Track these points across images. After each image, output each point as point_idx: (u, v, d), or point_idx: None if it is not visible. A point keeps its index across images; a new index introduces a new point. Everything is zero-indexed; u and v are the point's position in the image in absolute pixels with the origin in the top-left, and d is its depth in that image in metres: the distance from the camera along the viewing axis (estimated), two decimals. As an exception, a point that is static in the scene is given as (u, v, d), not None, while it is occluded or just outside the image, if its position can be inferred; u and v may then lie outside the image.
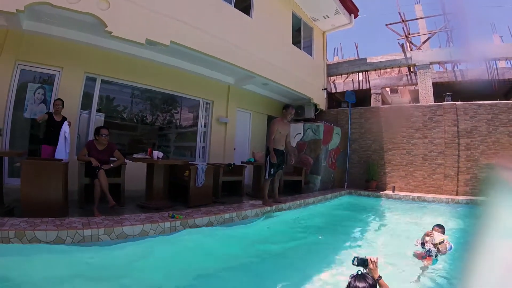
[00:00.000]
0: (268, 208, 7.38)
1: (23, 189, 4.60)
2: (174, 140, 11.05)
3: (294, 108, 8.15)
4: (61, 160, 5.88)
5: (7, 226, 3.83)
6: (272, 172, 7.58)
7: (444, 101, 12.74)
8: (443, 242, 4.74)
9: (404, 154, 13.09)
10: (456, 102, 12.24)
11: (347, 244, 5.81)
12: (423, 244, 4.86)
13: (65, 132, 6.68)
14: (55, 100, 6.99)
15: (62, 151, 6.63)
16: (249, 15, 10.25)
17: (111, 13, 6.55)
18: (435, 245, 4.70)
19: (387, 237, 6.64)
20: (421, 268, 4.43)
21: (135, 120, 10.01)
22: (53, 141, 6.71)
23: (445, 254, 4.72)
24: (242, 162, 9.62)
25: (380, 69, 16.23)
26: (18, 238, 3.73)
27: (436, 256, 4.70)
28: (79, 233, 4.10)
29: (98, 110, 8.61)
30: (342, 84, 18.22)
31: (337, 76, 18.16)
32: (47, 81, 7.80)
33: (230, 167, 9.08)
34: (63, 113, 7.06)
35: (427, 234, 4.91)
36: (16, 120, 7.36)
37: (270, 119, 14.11)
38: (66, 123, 6.81)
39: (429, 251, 4.71)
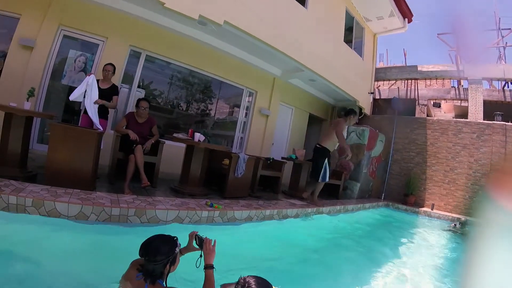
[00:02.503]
0: (309, 210, 6.85)
1: (50, 154, 4.13)
2: (212, 127, 10.54)
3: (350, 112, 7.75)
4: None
5: (26, 192, 3.35)
6: (329, 176, 7.39)
7: (493, 120, 11.98)
8: None
9: (448, 171, 12.26)
10: (506, 123, 11.42)
11: (382, 258, 5.31)
12: None
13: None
14: (105, 65, 6.10)
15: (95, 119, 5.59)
16: (304, 6, 9.65)
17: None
18: None
19: (423, 257, 5.97)
20: None
21: (173, 103, 9.62)
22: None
23: None
24: (282, 158, 9.00)
25: (430, 79, 15.42)
26: (35, 207, 3.25)
27: None
28: (106, 210, 3.59)
29: (139, 86, 8.25)
30: (387, 90, 17.40)
31: (383, 82, 17.39)
32: (89, 49, 7.45)
33: (269, 161, 8.48)
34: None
35: None
36: (53, 86, 7.08)
37: (311, 117, 13.65)
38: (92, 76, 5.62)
39: None
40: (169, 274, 2.20)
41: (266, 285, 1.80)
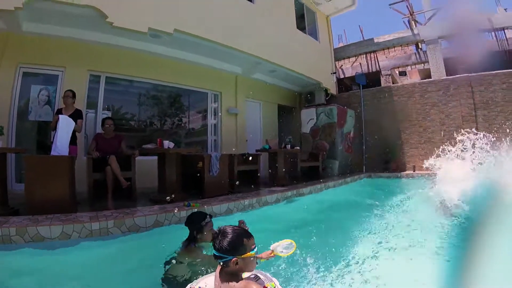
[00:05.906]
0: (289, 193, 7.14)
1: (27, 186, 4.35)
2: (185, 136, 10.69)
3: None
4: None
5: (9, 224, 3.57)
6: None
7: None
8: None
9: (421, 131, 12.78)
10: (470, 74, 11.84)
11: (369, 226, 5.41)
12: None
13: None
14: (64, 92, 6.17)
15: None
16: (251, 1, 9.90)
17: (110, 4, 6.32)
18: None
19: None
20: None
21: (141, 119, 9.64)
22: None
23: None
24: (256, 150, 9.29)
25: (388, 48, 15.81)
26: (20, 235, 3.46)
27: None
28: (86, 226, 3.81)
29: (104, 109, 8.37)
30: (350, 68, 17.80)
31: (344, 61, 17.79)
32: (50, 82, 7.55)
33: (245, 157, 8.74)
34: None
35: None
36: (21, 124, 7.17)
37: (280, 108, 13.86)
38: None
39: None
40: (204, 243, 3.19)
41: (241, 232, 1.96)
